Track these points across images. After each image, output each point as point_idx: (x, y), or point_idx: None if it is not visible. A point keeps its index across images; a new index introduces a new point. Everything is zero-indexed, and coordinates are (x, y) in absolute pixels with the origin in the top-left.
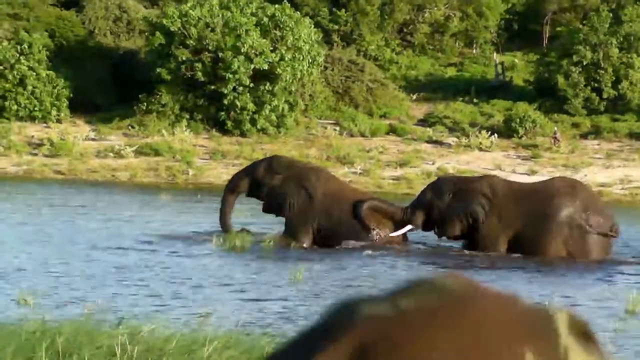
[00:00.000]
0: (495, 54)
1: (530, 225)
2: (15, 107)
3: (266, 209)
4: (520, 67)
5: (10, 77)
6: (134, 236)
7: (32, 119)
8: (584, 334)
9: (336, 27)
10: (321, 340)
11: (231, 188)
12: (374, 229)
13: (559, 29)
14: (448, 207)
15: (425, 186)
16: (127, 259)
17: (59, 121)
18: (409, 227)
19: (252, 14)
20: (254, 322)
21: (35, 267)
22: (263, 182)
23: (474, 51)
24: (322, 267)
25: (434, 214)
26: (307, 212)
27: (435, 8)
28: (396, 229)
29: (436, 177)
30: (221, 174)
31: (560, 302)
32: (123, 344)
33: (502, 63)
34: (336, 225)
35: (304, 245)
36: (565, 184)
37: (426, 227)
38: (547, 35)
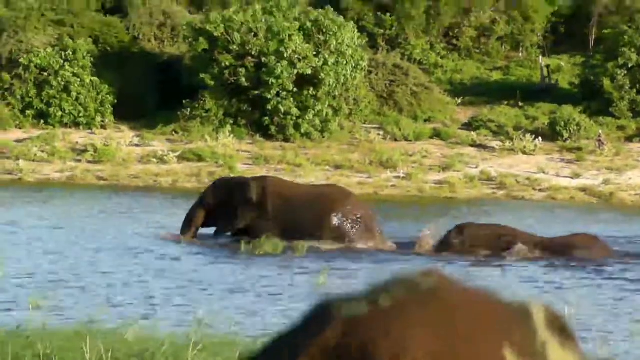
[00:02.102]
0: (541, 57)
1: None
2: (59, 113)
3: (219, 229)
4: (566, 70)
5: (54, 83)
6: (160, 240)
7: (77, 125)
8: (561, 329)
9: (381, 31)
10: (302, 340)
11: (187, 223)
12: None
13: (605, 31)
14: None
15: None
16: (151, 263)
17: (103, 127)
18: None
19: (295, 19)
20: (251, 328)
21: (63, 270)
22: (211, 207)
23: (520, 54)
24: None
25: None
26: (262, 218)
27: (481, 12)
28: None
29: (479, 181)
30: None
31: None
32: (98, 351)
33: (547, 66)
34: (295, 221)
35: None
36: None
37: None
38: (593, 38)
